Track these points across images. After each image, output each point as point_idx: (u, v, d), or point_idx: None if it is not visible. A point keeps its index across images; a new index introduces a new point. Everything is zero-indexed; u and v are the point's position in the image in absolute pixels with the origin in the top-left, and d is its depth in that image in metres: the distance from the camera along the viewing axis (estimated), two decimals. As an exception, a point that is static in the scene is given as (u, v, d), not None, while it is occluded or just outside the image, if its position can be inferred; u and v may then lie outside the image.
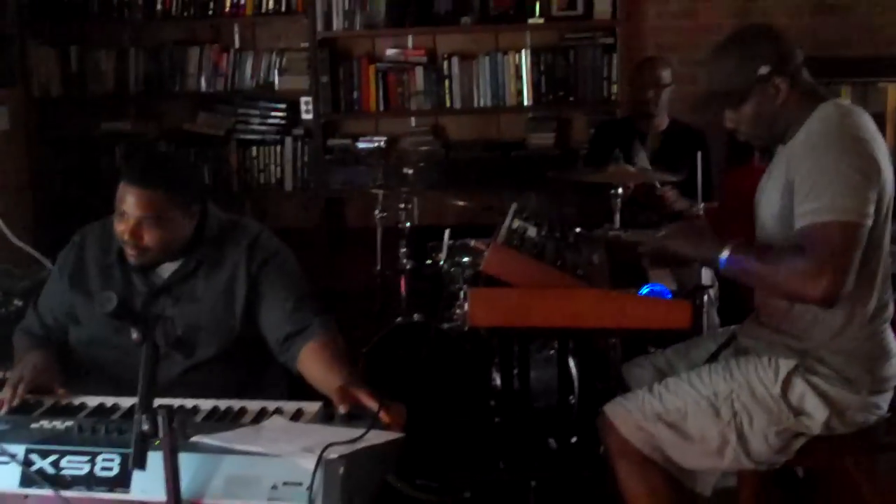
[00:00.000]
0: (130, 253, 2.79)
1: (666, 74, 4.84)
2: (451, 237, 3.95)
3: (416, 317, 4.10)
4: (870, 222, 2.57)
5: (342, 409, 2.36)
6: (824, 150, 2.60)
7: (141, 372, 2.10)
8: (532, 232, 2.97)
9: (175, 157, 2.88)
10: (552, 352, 3.74)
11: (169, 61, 5.95)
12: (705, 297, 3.75)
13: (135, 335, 2.11)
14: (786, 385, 2.75)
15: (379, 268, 4.60)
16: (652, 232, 4.05)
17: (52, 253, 3.13)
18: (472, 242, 3.71)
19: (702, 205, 4.12)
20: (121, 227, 2.76)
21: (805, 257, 2.53)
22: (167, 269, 2.86)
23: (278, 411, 2.46)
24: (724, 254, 2.67)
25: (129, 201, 2.72)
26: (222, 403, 2.53)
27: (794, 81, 2.74)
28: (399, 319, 4.14)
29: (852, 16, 5.67)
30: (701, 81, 2.88)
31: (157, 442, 2.05)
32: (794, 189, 2.63)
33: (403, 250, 4.38)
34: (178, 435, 2.06)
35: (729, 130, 2.86)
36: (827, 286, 2.50)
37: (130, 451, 2.05)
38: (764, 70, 2.71)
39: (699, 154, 4.10)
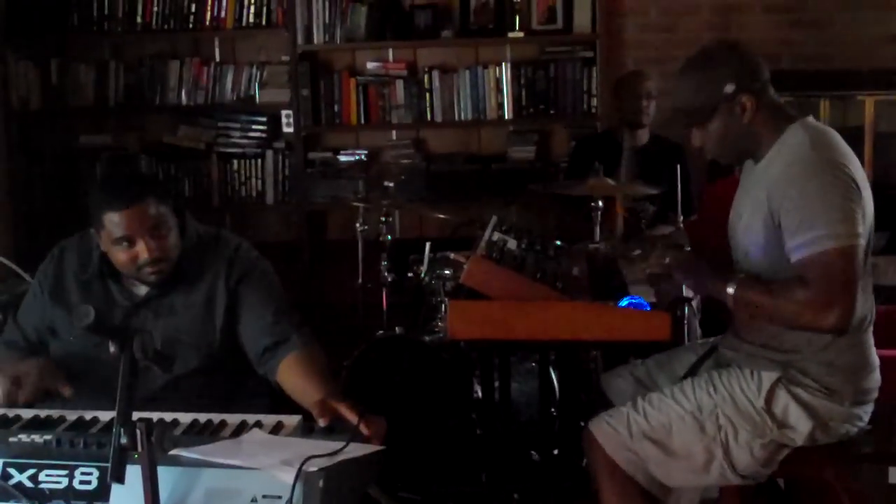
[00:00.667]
0: (151, 271, 2.76)
1: (653, 86, 4.87)
2: (432, 250, 3.95)
3: (397, 330, 4.09)
4: (863, 241, 2.60)
5: (322, 422, 2.35)
6: (806, 180, 2.61)
7: (119, 385, 2.08)
8: (512, 244, 2.98)
9: (148, 173, 2.87)
10: (534, 364, 3.74)
11: (149, 74, 5.94)
12: (686, 309, 3.76)
13: (112, 349, 2.10)
14: (769, 397, 2.76)
15: (360, 281, 4.60)
16: (631, 245, 4.08)
17: (32, 266, 3.11)
18: (452, 255, 3.71)
19: (681, 218, 4.13)
20: (131, 254, 2.73)
21: (810, 289, 2.56)
22: (141, 286, 2.84)
23: (258, 424, 2.45)
24: (731, 289, 2.69)
25: (129, 224, 2.69)
26: (202, 417, 2.51)
27: (761, 99, 2.74)
28: (380, 332, 4.13)
29: (831, 29, 5.71)
30: (670, 98, 2.88)
31: (136, 455, 2.04)
32: (779, 223, 2.64)
33: (385, 263, 4.38)
34: (156, 448, 2.05)
35: (696, 149, 2.88)
36: (838, 315, 2.54)
37: (109, 464, 2.04)
38: (729, 88, 2.71)
39: (678, 167, 4.11)
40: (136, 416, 2.09)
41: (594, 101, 5.80)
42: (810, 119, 2.77)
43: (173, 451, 2.17)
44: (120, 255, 2.74)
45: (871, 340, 2.82)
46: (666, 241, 4.09)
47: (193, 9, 5.86)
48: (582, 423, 3.00)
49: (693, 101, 2.77)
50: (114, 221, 2.70)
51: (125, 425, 2.03)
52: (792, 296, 2.61)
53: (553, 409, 3.75)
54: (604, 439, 2.83)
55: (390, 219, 4.48)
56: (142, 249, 2.71)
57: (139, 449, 2.03)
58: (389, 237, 4.40)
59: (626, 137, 4.94)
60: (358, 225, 4.52)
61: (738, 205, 2.89)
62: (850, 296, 2.55)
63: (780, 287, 2.66)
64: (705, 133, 2.79)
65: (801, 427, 2.75)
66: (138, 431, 2.02)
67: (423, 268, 3.94)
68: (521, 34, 5.76)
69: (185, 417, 2.51)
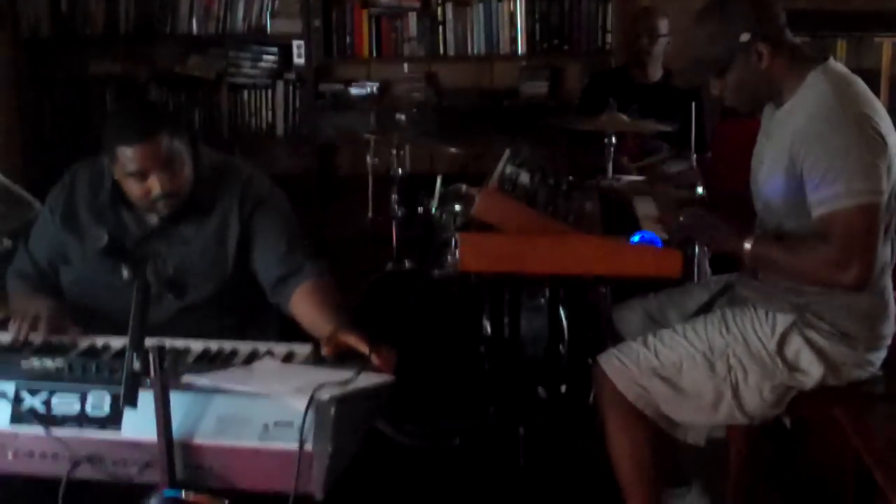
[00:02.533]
0: (164, 205, 2.75)
1: (662, 25, 4.81)
2: (442, 184, 3.93)
3: (407, 264, 4.09)
4: (886, 197, 2.59)
5: (324, 352, 2.36)
6: (830, 134, 2.59)
7: (132, 311, 2.09)
8: (525, 178, 2.96)
9: (150, 101, 2.84)
10: (543, 300, 3.74)
11: (160, 3, 5.86)
12: (696, 247, 3.75)
13: (125, 273, 2.10)
14: (782, 341, 2.75)
15: (370, 215, 4.59)
16: (644, 182, 4.07)
17: (42, 195, 3.10)
18: (464, 188, 3.69)
19: (694, 156, 4.11)
20: (144, 188, 2.71)
21: (830, 246, 2.56)
22: (153, 216, 2.84)
23: (269, 352, 2.46)
24: (748, 246, 2.69)
25: (142, 158, 2.67)
26: (213, 344, 2.53)
27: (777, 45, 2.71)
28: (390, 266, 4.13)
29: (847, -31, 5.64)
30: (685, 47, 2.84)
31: (149, 381, 2.05)
32: (801, 174, 2.62)
33: (395, 197, 4.36)
34: (168, 374, 2.06)
35: (716, 98, 2.86)
36: (857, 272, 2.55)
37: (121, 389, 2.05)
38: (745, 37, 2.68)
39: (693, 105, 4.08)
40: (148, 342, 2.10)
41: (608, 38, 5.74)
42: (832, 63, 2.73)
43: (185, 378, 2.18)
44: (133, 188, 2.73)
45: (891, 286, 2.81)
46: (679, 180, 4.08)
47: (206, -64, 5.80)
48: (589, 361, 3.01)
49: (709, 52, 2.74)
50: (127, 155, 2.68)
51: (137, 350, 2.04)
52: (811, 252, 2.61)
53: (561, 346, 3.75)
54: (613, 374, 2.83)
55: (401, 153, 4.45)
56: (154, 184, 2.70)
57: (151, 374, 2.04)
58: (400, 171, 4.38)
59: (637, 74, 4.90)
60: (368, 158, 4.50)
61: (759, 150, 2.87)
62: (870, 253, 2.56)
63: (799, 243, 2.66)
64: (723, 83, 2.77)
65: (812, 371, 2.75)
66: (150, 357, 2.03)
67: (434, 202, 3.92)
68: (536, -32, 5.70)
69: (197, 345, 2.53)
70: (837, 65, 2.75)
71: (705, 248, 4.13)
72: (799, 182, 2.64)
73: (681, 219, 2.88)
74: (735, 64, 2.71)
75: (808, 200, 2.61)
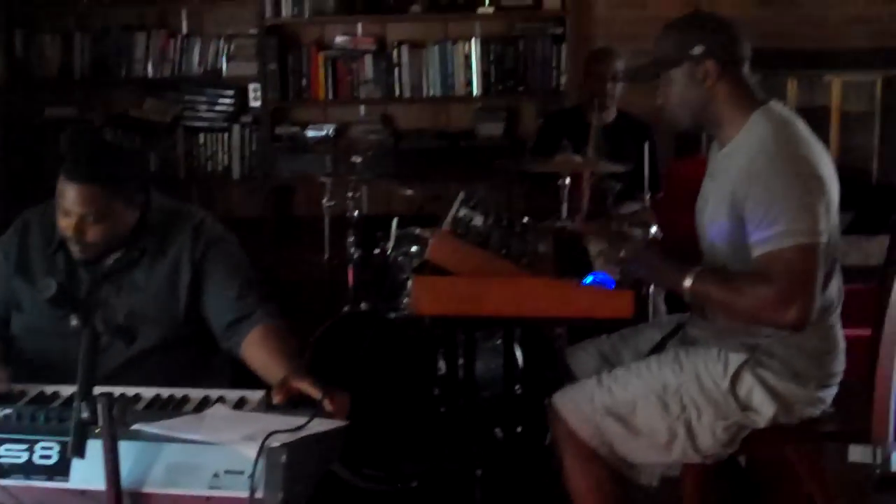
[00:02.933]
0: (74, 248, 2.75)
1: (621, 66, 4.85)
2: (399, 226, 3.94)
3: (363, 306, 4.09)
4: (826, 237, 2.61)
5: (276, 401, 2.35)
6: (769, 175, 2.62)
7: (80, 359, 2.07)
8: (478, 221, 2.97)
9: (117, 147, 2.80)
10: (499, 341, 3.75)
11: (115, 46, 5.88)
12: (651, 286, 3.77)
13: (74, 322, 2.09)
14: (735, 379, 2.77)
15: (327, 257, 4.58)
16: (598, 223, 4.09)
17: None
18: (418, 231, 3.70)
19: (647, 196, 4.14)
20: (63, 223, 2.73)
21: (770, 286, 2.58)
22: (110, 256, 2.82)
23: (221, 399, 2.44)
24: (687, 283, 2.71)
25: (70, 197, 2.68)
26: (164, 391, 2.50)
27: (728, 72, 2.74)
28: (346, 308, 4.12)
29: (799, 9, 5.72)
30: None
31: (97, 430, 2.03)
32: (743, 215, 2.65)
33: (351, 239, 4.36)
34: (118, 422, 2.04)
35: (658, 108, 2.89)
36: (797, 312, 2.57)
37: (70, 439, 2.03)
38: (697, 50, 2.73)
39: (646, 145, 4.12)
40: (97, 390, 2.08)
41: (563, 79, 5.80)
42: (774, 105, 2.77)
43: (135, 426, 2.16)
44: (60, 218, 2.74)
45: (839, 324, 2.84)
46: (633, 220, 4.11)
47: (161, -21, 5.81)
48: (546, 401, 3.01)
49: (662, 53, 2.80)
50: (63, 186, 2.69)
51: (86, 399, 2.02)
52: (751, 291, 2.62)
53: (517, 387, 3.75)
54: (567, 413, 2.84)
55: (357, 194, 4.46)
56: (71, 225, 2.70)
57: (100, 423, 2.02)
58: (356, 213, 4.38)
59: (593, 115, 4.93)
60: (325, 200, 4.50)
61: (704, 191, 2.90)
62: (809, 293, 2.57)
63: (739, 282, 2.68)
64: (667, 91, 2.81)
65: (764, 410, 2.77)
66: (99, 405, 2.01)
67: (390, 244, 3.92)
68: (490, 10, 5.75)
69: (148, 392, 2.51)
70: (779, 106, 2.79)
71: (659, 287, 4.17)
72: (741, 224, 2.66)
73: (621, 255, 2.89)
74: (680, 71, 2.75)
75: (749, 241, 2.63)
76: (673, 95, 2.80)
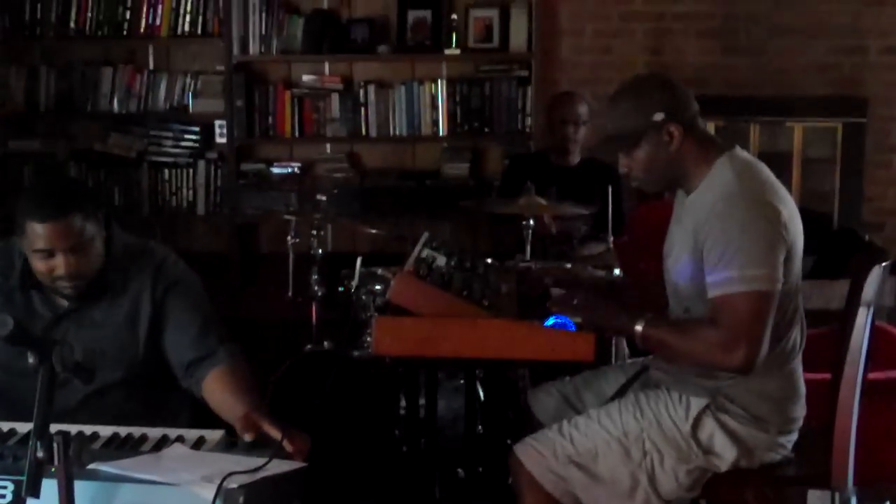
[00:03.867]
0: (67, 286, 2.72)
1: (584, 111, 4.88)
2: (363, 265, 3.93)
3: (325, 344, 4.07)
4: (780, 286, 2.63)
5: (247, 437, 2.33)
6: (729, 219, 2.65)
7: (37, 397, 2.05)
8: (441, 261, 2.97)
9: (74, 180, 2.82)
10: (462, 381, 3.74)
11: (81, 80, 5.87)
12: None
13: (31, 360, 2.06)
14: (696, 424, 2.79)
15: (291, 294, 4.56)
16: (562, 265, 4.11)
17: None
18: (380, 271, 3.71)
19: (611, 239, 4.16)
20: (48, 266, 2.69)
21: (717, 329, 2.61)
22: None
23: (180, 439, 2.43)
24: (639, 328, 2.73)
25: (50, 237, 2.65)
26: (122, 430, 2.48)
27: (689, 130, 2.77)
28: (309, 347, 4.10)
29: (762, 56, 5.80)
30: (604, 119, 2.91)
31: (53, 469, 2.00)
32: (703, 256, 2.68)
33: (315, 277, 4.35)
34: (74, 462, 2.02)
35: (624, 176, 2.92)
36: (742, 357, 2.59)
37: (24, 478, 2.00)
38: (658, 116, 2.74)
39: (610, 189, 4.14)
40: (54, 428, 2.05)
41: (528, 121, 5.83)
42: (738, 151, 2.80)
43: (91, 465, 2.14)
44: (38, 265, 2.71)
45: (800, 369, 2.86)
46: (596, 262, 4.13)
47: (128, 16, 5.81)
48: (509, 441, 3.01)
49: (622, 126, 2.79)
50: (36, 232, 2.65)
51: (42, 438, 2.00)
52: (699, 335, 2.66)
53: (480, 427, 3.75)
54: (529, 462, 2.84)
55: (322, 232, 4.45)
56: (59, 264, 2.68)
57: (56, 462, 1.99)
58: (321, 251, 4.38)
59: (556, 158, 4.96)
60: (289, 238, 4.49)
61: (670, 235, 2.93)
62: (756, 338, 2.60)
63: (688, 326, 2.73)
64: (633, 160, 2.81)
65: (726, 454, 2.78)
66: (55, 444, 1.98)
67: (354, 283, 3.91)
68: (457, 51, 5.79)
69: (106, 431, 2.48)
70: (743, 152, 2.82)
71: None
72: (702, 265, 2.69)
73: (574, 302, 2.91)
74: (645, 141, 2.76)
75: (706, 282, 2.66)
76: (640, 163, 2.81)
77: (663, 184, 2.91)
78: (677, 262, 2.82)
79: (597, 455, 2.81)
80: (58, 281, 2.71)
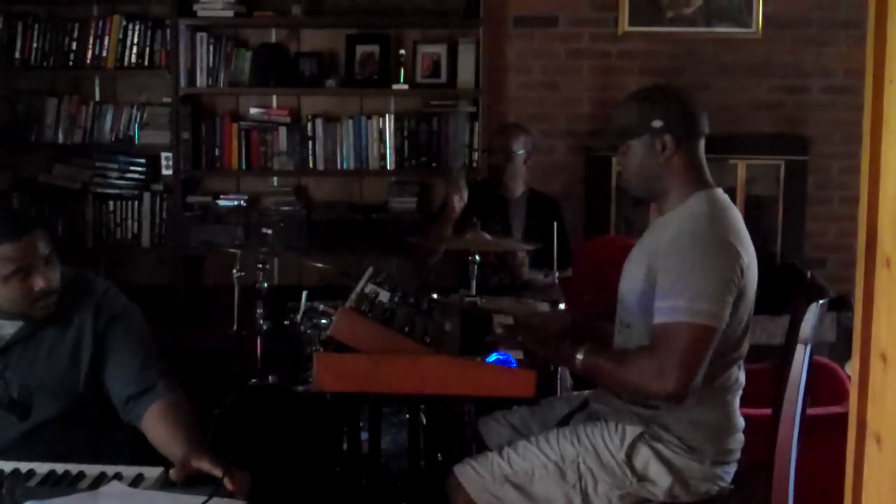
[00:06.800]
0: (43, 304, 2.72)
1: (518, 143, 4.87)
2: (309, 298, 3.92)
3: (270, 378, 4.05)
4: (723, 325, 2.68)
5: (175, 478, 2.31)
6: (689, 250, 2.71)
7: (-29, 435, 2.02)
8: (384, 297, 2.98)
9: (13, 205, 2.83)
10: (406, 415, 3.74)
11: (26, 111, 5.82)
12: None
13: (-34, 397, 2.04)
14: (630, 451, 2.82)
15: (235, 327, 4.53)
16: (508, 299, 4.13)
17: None
18: (322, 306, 3.70)
19: (556, 273, 4.18)
20: (26, 286, 2.67)
21: (652, 356, 2.67)
22: (8, 327, 2.77)
23: (118, 476, 2.39)
24: (579, 356, 2.81)
25: (24, 254, 2.65)
26: (59, 467, 2.44)
27: (683, 147, 2.85)
28: (254, 381, 4.08)
29: (707, 94, 5.87)
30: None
31: (-14, 507, 1.98)
32: (655, 280, 2.74)
33: (260, 311, 4.33)
34: (7, 500, 1.99)
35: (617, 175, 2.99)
36: (672, 385, 2.64)
37: (-44, 517, 1.97)
38: (657, 123, 2.84)
39: (555, 224, 4.17)
40: (-11, 466, 2.03)
41: (476, 155, 5.86)
42: (719, 192, 2.87)
43: (26, 504, 2.11)
44: (14, 290, 2.68)
45: (737, 403, 2.90)
46: (541, 296, 4.15)
47: (74, 46, 5.79)
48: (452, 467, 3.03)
49: (623, 123, 2.91)
50: (6, 254, 2.64)
51: (-25, 476, 1.98)
52: (636, 361, 2.72)
53: (422, 462, 3.74)
54: (467, 482, 2.88)
55: (268, 266, 4.43)
56: (38, 279, 2.67)
57: (-11, 501, 1.97)
58: (266, 284, 4.36)
59: (500, 188, 4.97)
60: (235, 271, 4.46)
61: (632, 252, 2.99)
62: (689, 370, 2.64)
63: (625, 354, 2.79)
64: (626, 160, 2.91)
65: (660, 482, 2.81)
66: (-11, 482, 1.96)
67: (299, 316, 3.90)
68: (405, 86, 5.81)
69: (42, 467, 2.44)
70: (723, 195, 2.89)
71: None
72: (652, 287, 2.74)
73: (518, 338, 3.00)
74: (639, 142, 2.86)
75: (654, 308, 2.71)
76: (631, 164, 2.91)
77: (646, 191, 2.97)
78: (630, 276, 2.89)
79: (533, 476, 2.85)
80: (38, 301, 2.70)
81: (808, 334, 2.85)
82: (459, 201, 4.52)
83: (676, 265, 2.70)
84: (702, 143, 2.90)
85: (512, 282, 4.65)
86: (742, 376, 2.91)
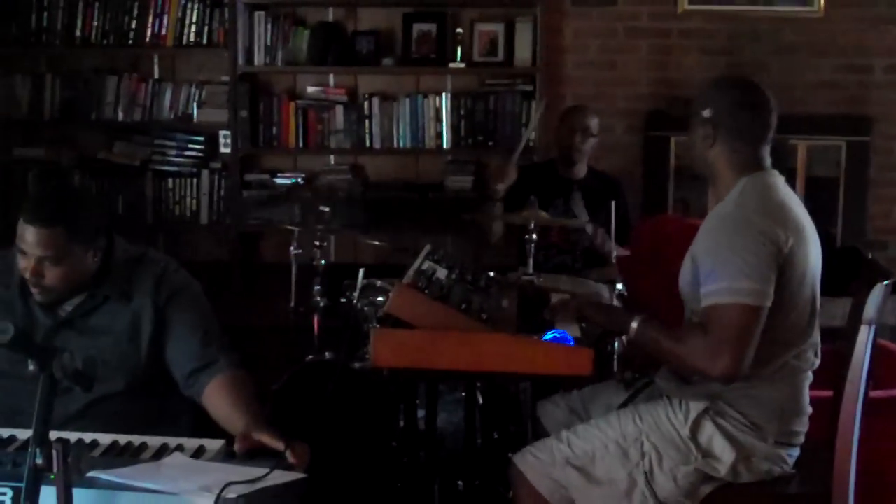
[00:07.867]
0: (34, 291, 2.75)
1: (594, 124, 4.89)
2: (365, 276, 3.94)
3: (327, 355, 4.07)
4: (769, 302, 2.69)
5: (238, 450, 2.34)
6: (725, 231, 2.76)
7: (36, 404, 2.05)
8: (441, 274, 2.97)
9: (76, 191, 2.84)
10: (463, 393, 3.74)
11: (86, 89, 5.87)
12: (616, 343, 3.78)
13: (31, 367, 2.07)
14: (695, 427, 2.82)
15: (293, 304, 4.56)
16: (565, 277, 4.12)
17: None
18: (379, 283, 3.71)
19: (616, 250, 4.16)
20: (22, 265, 2.73)
21: (705, 337, 2.69)
22: (71, 302, 2.81)
23: (179, 448, 2.43)
24: (634, 324, 2.84)
25: (28, 240, 2.68)
26: (122, 438, 2.49)
27: (722, 141, 2.86)
28: (310, 357, 4.10)
29: (766, 74, 5.79)
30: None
31: (52, 476, 2.00)
32: (698, 268, 2.77)
33: (318, 288, 4.35)
34: (73, 470, 2.02)
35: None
36: (725, 365, 2.66)
37: (23, 485, 2.00)
38: (706, 113, 2.88)
39: (613, 203, 4.15)
40: (54, 436, 2.06)
41: (532, 134, 5.83)
42: (763, 174, 2.86)
43: (91, 473, 2.14)
44: (20, 259, 2.74)
45: (807, 387, 2.89)
46: (599, 276, 4.14)
47: (133, 25, 5.83)
48: (510, 454, 3.02)
49: (694, 105, 2.96)
50: (20, 229, 2.69)
51: (41, 445, 2.00)
52: (688, 339, 2.75)
53: (479, 439, 3.74)
54: (527, 469, 2.87)
55: (325, 243, 4.45)
56: (27, 267, 2.71)
57: (55, 470, 1.99)
58: (323, 262, 4.38)
59: (563, 170, 4.96)
60: (292, 248, 4.49)
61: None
62: (740, 349, 2.66)
63: (679, 330, 2.81)
64: (689, 139, 2.99)
65: (725, 457, 2.80)
66: (55, 452, 1.99)
67: (356, 294, 3.92)
68: (462, 65, 5.79)
69: (105, 438, 2.49)
70: (771, 177, 2.87)
71: (625, 343, 4.18)
72: (697, 278, 2.78)
73: (572, 306, 3.06)
74: (694, 127, 2.92)
75: (700, 291, 2.74)
76: (691, 144, 2.98)
77: (700, 169, 3.02)
78: (683, 269, 2.91)
79: (594, 457, 2.84)
80: (28, 281, 2.74)
81: (872, 315, 2.82)
82: (502, 184, 4.53)
83: (713, 247, 2.75)
84: (749, 139, 2.86)
85: (573, 262, 4.67)
86: (817, 361, 2.89)
